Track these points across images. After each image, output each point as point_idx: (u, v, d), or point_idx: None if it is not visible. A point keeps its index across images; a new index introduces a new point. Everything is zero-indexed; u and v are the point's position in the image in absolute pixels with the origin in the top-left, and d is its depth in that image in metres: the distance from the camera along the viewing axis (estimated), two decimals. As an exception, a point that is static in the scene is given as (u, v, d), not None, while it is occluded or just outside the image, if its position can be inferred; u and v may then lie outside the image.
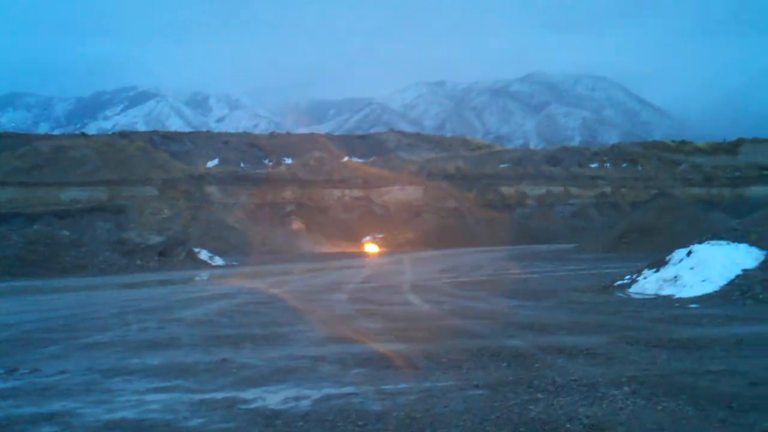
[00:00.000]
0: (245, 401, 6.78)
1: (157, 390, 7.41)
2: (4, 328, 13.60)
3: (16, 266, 33.22)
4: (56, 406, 6.82)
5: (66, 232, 41.28)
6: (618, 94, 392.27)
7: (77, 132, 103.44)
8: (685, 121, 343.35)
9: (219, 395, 7.04)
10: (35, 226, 41.98)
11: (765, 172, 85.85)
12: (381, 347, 9.70)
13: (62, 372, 8.59)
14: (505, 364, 8.09)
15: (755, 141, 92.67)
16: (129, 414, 6.43)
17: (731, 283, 14.32)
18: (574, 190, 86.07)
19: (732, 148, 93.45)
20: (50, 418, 6.37)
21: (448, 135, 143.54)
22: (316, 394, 6.97)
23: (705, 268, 15.16)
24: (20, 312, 16.89)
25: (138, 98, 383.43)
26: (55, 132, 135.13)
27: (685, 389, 6.60)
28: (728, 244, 16.19)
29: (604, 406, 6.12)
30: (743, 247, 15.81)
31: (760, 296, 13.24)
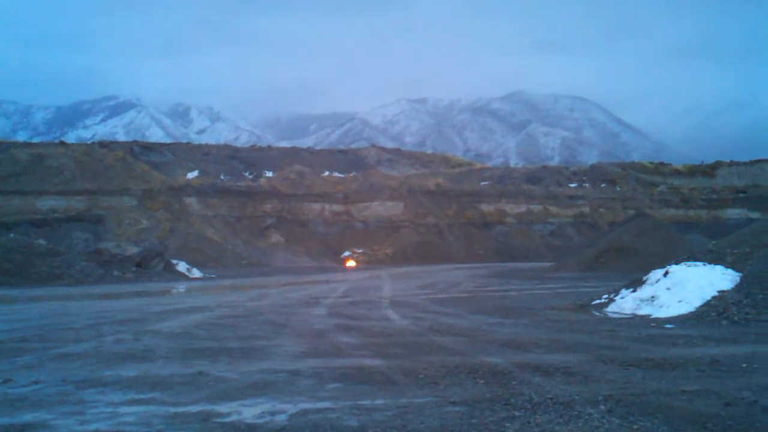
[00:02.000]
0: (220, 415, 6.73)
1: (131, 402, 7.34)
2: (-23, 337, 13.43)
3: (-10, 275, 32.86)
4: (28, 417, 6.74)
5: (42, 241, 40.90)
6: (598, 115, 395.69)
7: (56, 141, 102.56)
8: (663, 143, 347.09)
9: (194, 408, 6.99)
10: (11, 235, 41.52)
11: (741, 195, 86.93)
12: (358, 362, 9.68)
13: (35, 383, 8.50)
14: (482, 381, 8.10)
15: (732, 164, 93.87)
16: (102, 426, 6.36)
17: (707, 304, 14.45)
18: (553, 209, 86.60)
19: (709, 170, 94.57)
20: (22, 429, 6.29)
21: (429, 151, 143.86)
22: (292, 408, 6.94)
23: (681, 288, 15.29)
24: (-6, 321, 16.68)
25: (118, 108, 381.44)
26: (34, 140, 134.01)
27: (660, 409, 6.64)
28: (704, 265, 16.35)
29: (580, 424, 6.13)
30: (719, 268, 15.97)
31: (736, 317, 13.36)
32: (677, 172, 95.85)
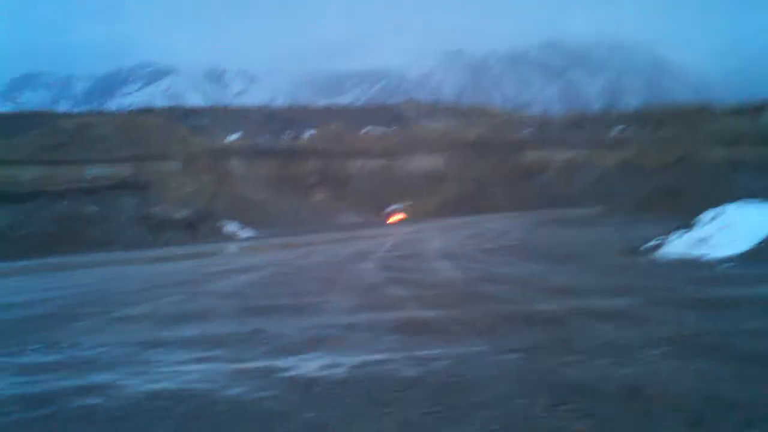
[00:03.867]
0: (281, 369, 6.83)
1: (194, 361, 7.51)
2: (40, 303, 13.84)
3: (46, 243, 33.69)
4: (97, 378, 6.94)
5: (93, 208, 41.65)
6: (638, 58, 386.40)
7: (97, 109, 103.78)
8: (708, 83, 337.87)
9: (255, 364, 7.12)
10: (63, 203, 42.33)
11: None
12: (412, 314, 9.73)
13: (101, 345, 8.73)
14: (538, 328, 8.09)
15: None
16: (169, 384, 6.52)
17: (763, 242, 14.16)
18: (597, 155, 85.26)
19: (758, 108, 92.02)
20: (93, 390, 6.47)
21: (468, 103, 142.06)
22: (350, 361, 7.01)
23: (734, 228, 15.02)
24: (53, 288, 17.14)
25: (155, 75, 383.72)
26: (75, 110, 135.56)
27: (718, 349, 6.58)
28: (758, 203, 16.02)
29: (638, 367, 6.10)
30: (774, 206, 15.64)
31: (792, 255, 13.12)
32: (723, 112, 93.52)
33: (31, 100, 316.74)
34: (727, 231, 15.08)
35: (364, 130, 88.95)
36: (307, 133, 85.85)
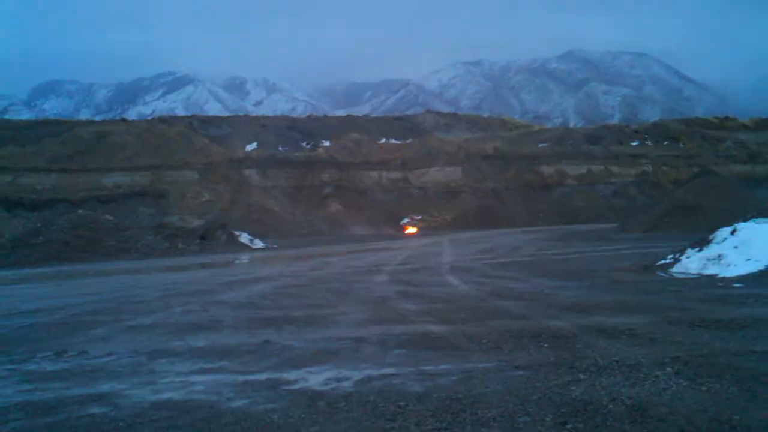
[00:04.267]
0: (288, 382, 6.85)
1: (201, 371, 7.53)
2: (52, 311, 13.92)
3: (62, 251, 33.93)
4: (104, 387, 6.97)
5: (109, 217, 41.97)
6: (658, 71, 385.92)
7: (118, 118, 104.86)
8: (728, 97, 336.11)
9: (262, 376, 7.14)
10: (79, 211, 42.69)
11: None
12: (421, 329, 9.72)
13: (109, 354, 8.77)
14: (546, 345, 8.06)
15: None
16: (174, 395, 6.54)
17: (777, 261, 14.06)
18: (614, 169, 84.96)
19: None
20: (99, 399, 6.51)
21: (486, 115, 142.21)
22: (357, 375, 7.02)
23: (750, 246, 14.91)
24: (67, 296, 17.24)
25: (176, 83, 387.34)
26: (96, 118, 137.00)
27: (729, 370, 6.52)
28: (774, 221, 15.90)
29: (646, 386, 6.07)
30: (789, 225, 15.51)
31: (807, 275, 12.99)
32: (744, 127, 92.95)
33: (53, 107, 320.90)
34: (741, 250, 14.97)
35: (380, 141, 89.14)
36: (324, 144, 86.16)
